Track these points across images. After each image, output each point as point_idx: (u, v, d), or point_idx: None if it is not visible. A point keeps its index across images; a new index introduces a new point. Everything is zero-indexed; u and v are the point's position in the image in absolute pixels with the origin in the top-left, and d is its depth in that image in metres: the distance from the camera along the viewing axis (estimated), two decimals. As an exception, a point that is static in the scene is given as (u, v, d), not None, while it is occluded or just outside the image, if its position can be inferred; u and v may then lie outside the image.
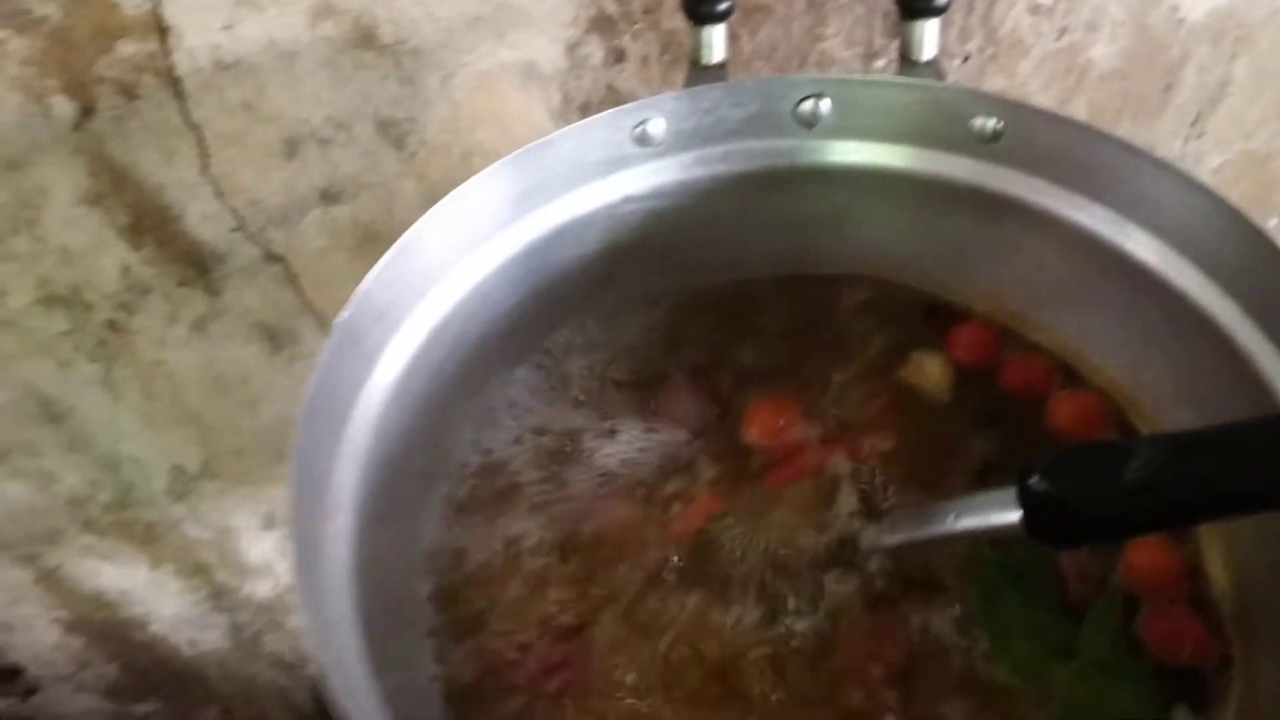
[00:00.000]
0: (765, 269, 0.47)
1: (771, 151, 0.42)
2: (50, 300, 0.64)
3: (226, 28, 0.53)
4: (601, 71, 0.61)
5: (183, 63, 0.54)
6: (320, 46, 0.55)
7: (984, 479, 0.42)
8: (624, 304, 0.46)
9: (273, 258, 0.66)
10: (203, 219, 0.62)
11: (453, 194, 0.38)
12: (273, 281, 0.68)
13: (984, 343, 0.48)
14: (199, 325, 0.69)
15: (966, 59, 0.69)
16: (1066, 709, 0.36)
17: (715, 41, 0.41)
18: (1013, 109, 0.39)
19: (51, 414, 0.71)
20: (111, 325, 0.66)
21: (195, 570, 0.92)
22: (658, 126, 0.41)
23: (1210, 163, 0.86)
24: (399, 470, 0.36)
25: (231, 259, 0.65)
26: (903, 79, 0.41)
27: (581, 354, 0.45)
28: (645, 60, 0.61)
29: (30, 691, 0.99)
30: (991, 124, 0.39)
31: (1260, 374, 0.35)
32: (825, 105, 0.41)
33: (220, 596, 0.96)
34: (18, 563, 0.84)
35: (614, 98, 0.63)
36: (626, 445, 0.41)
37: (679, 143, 0.41)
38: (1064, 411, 0.45)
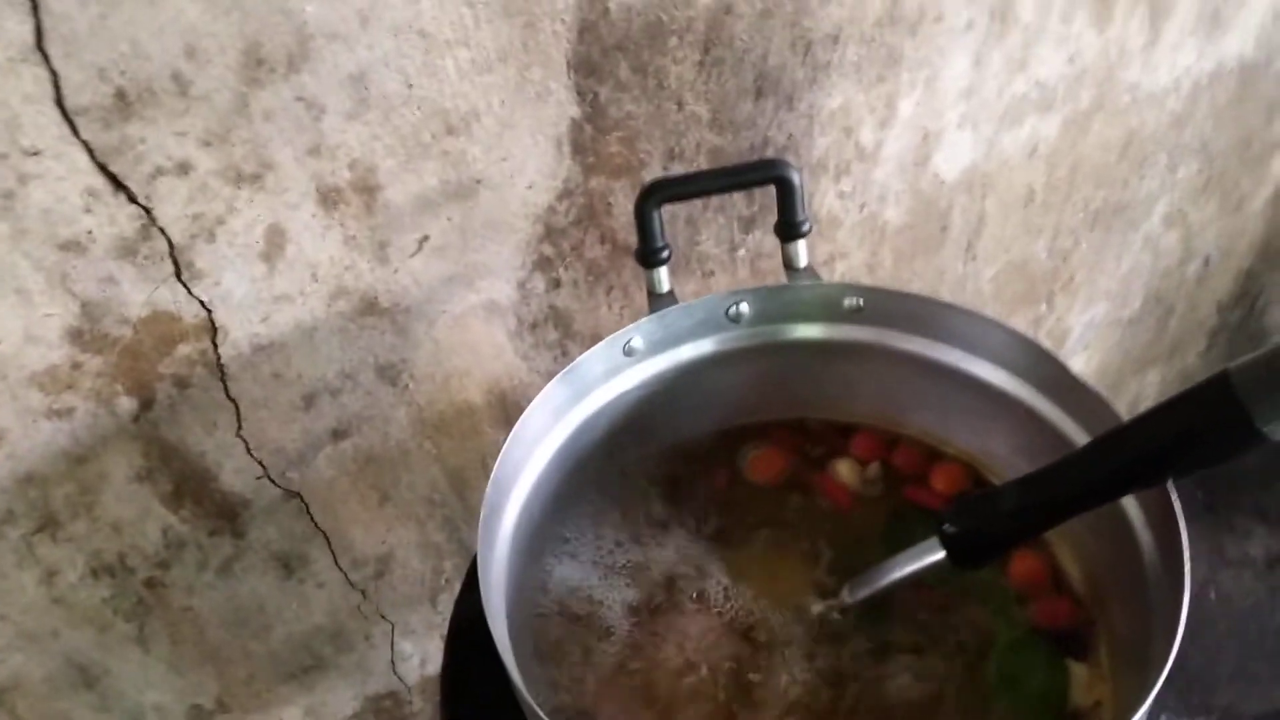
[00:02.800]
0: (720, 423, 0.65)
1: (714, 341, 0.60)
2: (98, 571, 0.71)
3: (264, 319, 0.66)
4: (544, 296, 0.78)
5: (227, 352, 0.66)
6: (335, 319, 0.69)
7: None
8: (624, 469, 0.62)
9: (290, 494, 0.77)
10: (234, 473, 0.73)
11: (522, 417, 0.52)
12: (289, 515, 0.78)
13: (874, 446, 0.66)
14: (225, 568, 0.78)
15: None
16: (1001, 675, 0.53)
17: (662, 277, 0.59)
18: (867, 291, 0.59)
19: (87, 679, 0.77)
20: (149, 583, 0.75)
21: (202, 813, 0.94)
22: (638, 342, 0.58)
23: (986, 275, 1.12)
24: (521, 557, 0.53)
25: (255, 503, 0.75)
26: (793, 284, 0.60)
27: (596, 508, 0.61)
28: (576, 283, 0.78)
29: None
30: (857, 301, 0.59)
31: (1059, 431, 0.55)
32: (745, 307, 0.60)
33: (223, 836, 0.98)
34: (33, 847, 0.85)
35: (555, 315, 0.80)
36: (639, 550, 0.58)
37: (652, 349, 0.59)
38: (940, 479, 0.64)
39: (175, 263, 0.60)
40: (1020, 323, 1.21)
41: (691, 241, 0.83)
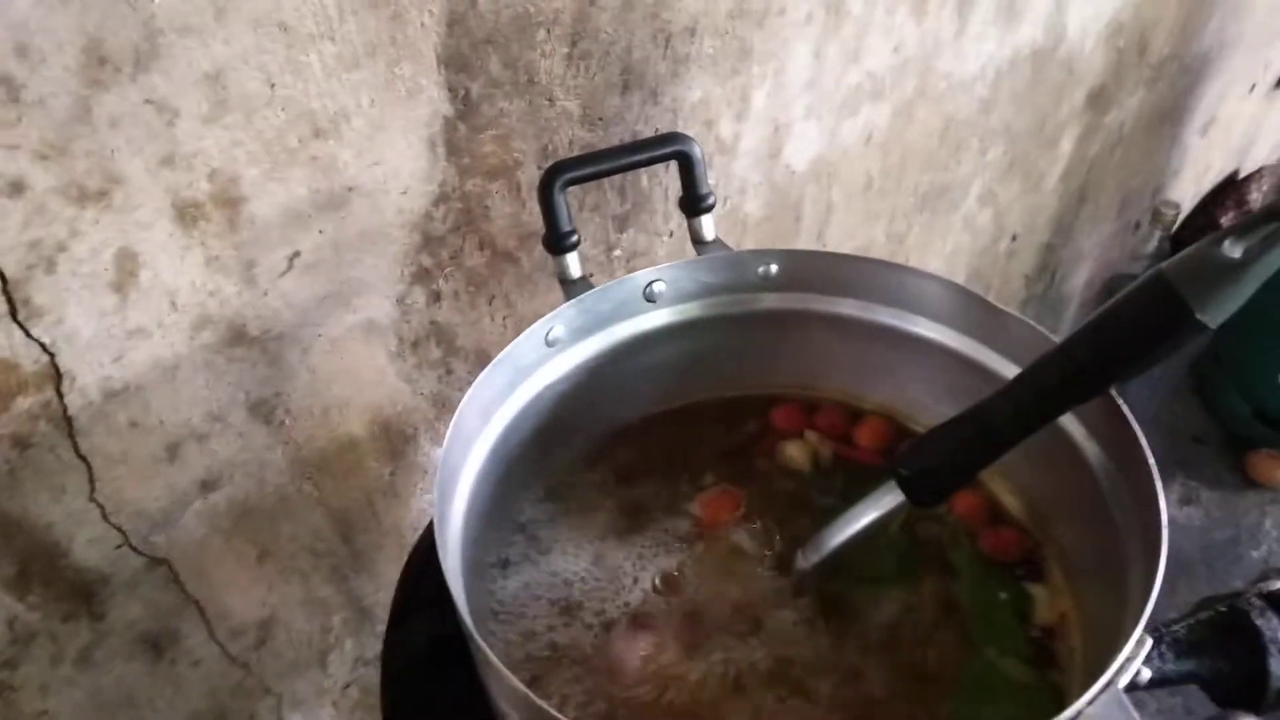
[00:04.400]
0: (649, 408, 0.63)
1: (634, 323, 0.58)
2: (-75, 686, 0.60)
3: (116, 359, 0.58)
4: (425, 311, 0.73)
5: (75, 402, 0.58)
6: (199, 353, 0.62)
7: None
8: (557, 465, 0.59)
9: (155, 562, 0.68)
10: (89, 544, 0.63)
11: (454, 417, 0.48)
12: (155, 587, 0.69)
13: (796, 415, 0.66)
14: (83, 657, 0.67)
15: (671, 234, 0.90)
16: (974, 607, 0.54)
17: (573, 263, 0.56)
18: (778, 254, 0.59)
19: (-83, 820, 0.65)
20: (-8, 689, 0.64)
21: None
22: (559, 330, 0.55)
23: (833, 263, 1.16)
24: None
25: (115, 576, 0.66)
26: (705, 256, 0.59)
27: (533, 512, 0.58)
28: (457, 294, 0.74)
29: None
30: (769, 267, 0.59)
31: (984, 366, 0.56)
32: (660, 285, 0.58)
33: None
34: None
35: (437, 330, 0.75)
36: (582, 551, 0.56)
37: (573, 336, 0.56)
38: (865, 434, 0.65)
39: (9, 300, 0.52)
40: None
41: (569, 243, 0.81)
